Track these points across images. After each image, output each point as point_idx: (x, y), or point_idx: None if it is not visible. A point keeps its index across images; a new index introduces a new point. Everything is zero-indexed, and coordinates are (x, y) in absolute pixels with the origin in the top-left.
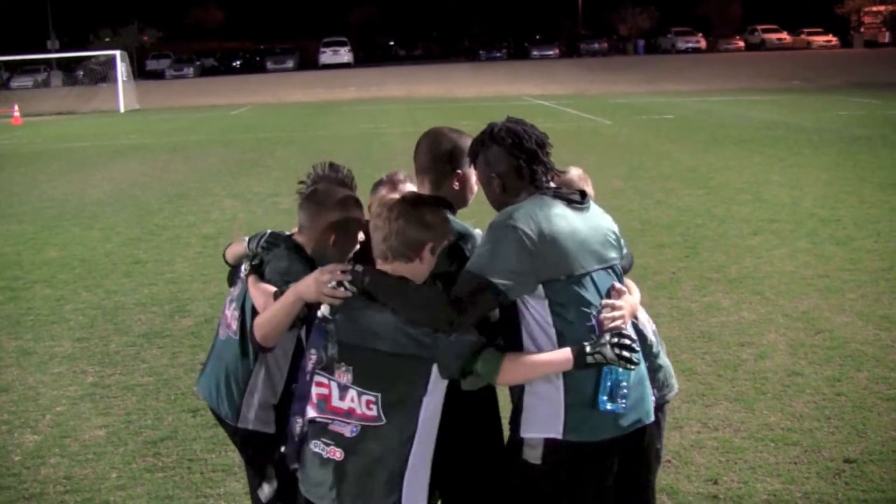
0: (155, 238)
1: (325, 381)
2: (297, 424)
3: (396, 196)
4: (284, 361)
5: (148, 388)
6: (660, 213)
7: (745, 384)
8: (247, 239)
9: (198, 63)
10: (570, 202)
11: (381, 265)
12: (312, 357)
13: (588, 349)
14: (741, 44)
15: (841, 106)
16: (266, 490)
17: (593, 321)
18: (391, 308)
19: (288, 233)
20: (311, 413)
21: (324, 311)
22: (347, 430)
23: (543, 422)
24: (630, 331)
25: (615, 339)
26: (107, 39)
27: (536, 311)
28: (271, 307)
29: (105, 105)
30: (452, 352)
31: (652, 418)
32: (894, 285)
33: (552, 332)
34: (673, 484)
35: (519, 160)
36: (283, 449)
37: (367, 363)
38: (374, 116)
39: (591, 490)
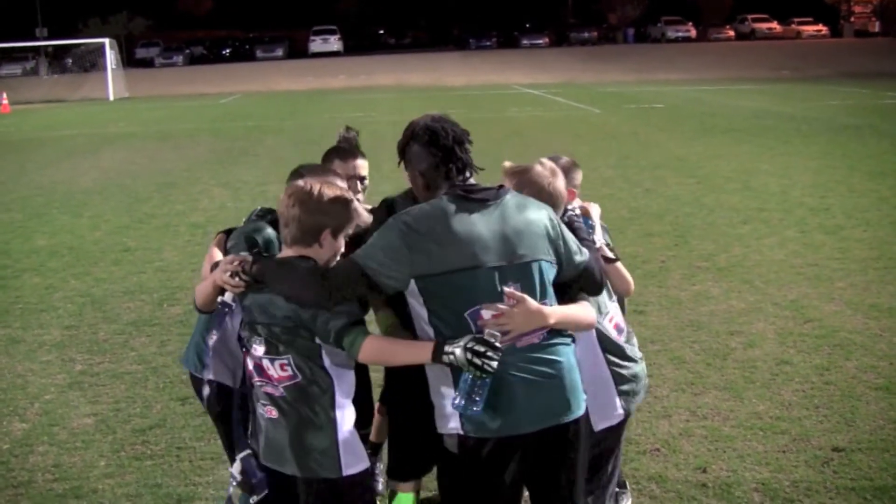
0: (144, 226)
1: (254, 355)
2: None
3: (300, 182)
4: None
5: (136, 377)
6: (649, 201)
7: (734, 373)
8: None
9: (187, 51)
10: (473, 200)
11: (284, 250)
12: (213, 336)
13: (446, 347)
14: (731, 33)
15: (830, 95)
16: (235, 469)
17: (468, 320)
18: (275, 291)
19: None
20: (251, 379)
21: (227, 297)
22: (277, 392)
23: (447, 419)
24: (493, 338)
25: (471, 344)
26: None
27: (415, 306)
28: (205, 282)
29: (94, 93)
30: (326, 326)
31: (571, 418)
32: (883, 274)
33: (429, 328)
34: (661, 472)
35: (436, 157)
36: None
37: (271, 336)
38: (364, 105)
39: (499, 483)
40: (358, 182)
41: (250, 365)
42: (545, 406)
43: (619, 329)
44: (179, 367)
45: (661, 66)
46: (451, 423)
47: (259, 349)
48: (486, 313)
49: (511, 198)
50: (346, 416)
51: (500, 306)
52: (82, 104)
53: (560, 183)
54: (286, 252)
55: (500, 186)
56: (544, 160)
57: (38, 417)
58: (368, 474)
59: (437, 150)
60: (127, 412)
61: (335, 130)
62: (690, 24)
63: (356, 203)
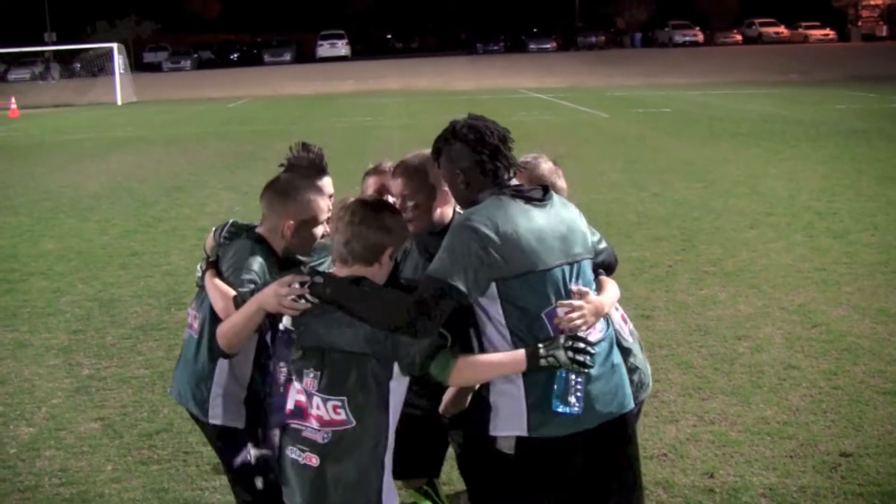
0: (151, 230)
1: (300, 388)
2: (276, 436)
3: (355, 198)
4: (245, 355)
5: (143, 381)
6: (656, 206)
7: (742, 378)
8: (213, 229)
9: (195, 56)
10: (529, 199)
11: (339, 268)
12: (283, 370)
13: (542, 351)
14: (738, 37)
15: (838, 99)
16: (259, 483)
17: (545, 320)
18: (355, 315)
19: (251, 224)
20: (287, 420)
21: (286, 322)
22: (319, 437)
23: (509, 420)
24: (587, 332)
25: (569, 343)
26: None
27: (490, 310)
28: (233, 316)
29: (102, 97)
30: (409, 350)
31: (627, 409)
32: (891, 279)
33: (506, 332)
34: (668, 477)
35: (482, 156)
36: (251, 452)
37: (330, 366)
38: (372, 109)
39: (560, 481)
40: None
41: (290, 403)
42: (607, 399)
43: (624, 320)
44: None
45: (668, 70)
46: (512, 426)
47: (311, 382)
48: (561, 311)
49: (557, 197)
50: (391, 457)
51: (574, 303)
52: (90, 108)
53: (562, 181)
54: (340, 270)
55: (546, 188)
56: (547, 160)
57: (45, 422)
58: None
59: (482, 148)
60: (134, 416)
61: (343, 134)
62: (698, 28)
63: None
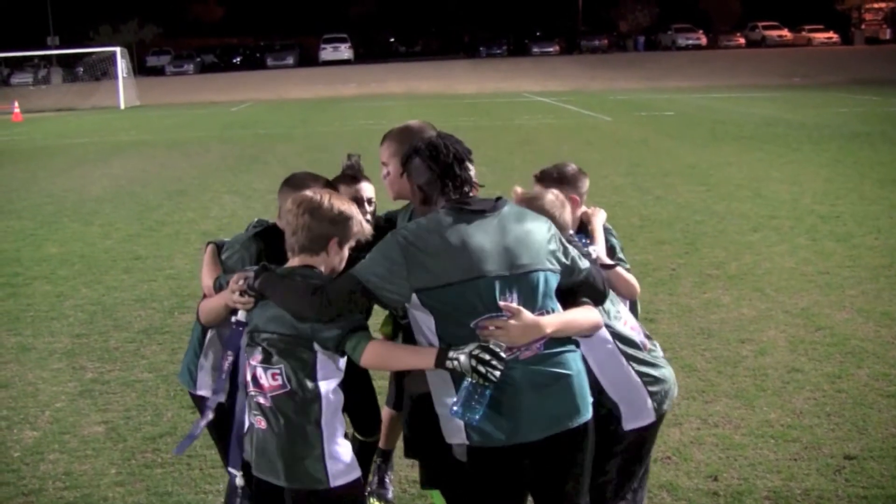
0: (154, 234)
1: (251, 364)
2: (205, 420)
3: (308, 192)
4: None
5: (147, 385)
6: (659, 209)
7: (745, 381)
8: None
9: (198, 59)
10: (466, 212)
11: (291, 259)
12: (229, 358)
13: (451, 353)
14: (742, 40)
15: (841, 102)
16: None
17: (475, 330)
18: (277, 304)
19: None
20: (248, 390)
21: (239, 316)
22: (265, 401)
23: (452, 430)
24: (498, 347)
25: (476, 351)
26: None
27: (421, 318)
28: (208, 302)
29: (105, 101)
30: (326, 333)
31: (581, 422)
32: (894, 282)
33: (435, 339)
34: (673, 480)
35: (434, 173)
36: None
37: (268, 344)
38: (374, 113)
39: (510, 489)
40: (366, 204)
41: (248, 375)
42: (552, 413)
43: (636, 331)
44: None
45: (671, 74)
46: (452, 433)
47: (256, 357)
48: (490, 325)
49: (509, 208)
50: (335, 427)
51: (495, 321)
52: (93, 112)
53: (567, 214)
54: (293, 261)
55: (499, 198)
56: (554, 191)
57: (48, 425)
58: (358, 485)
59: (435, 166)
60: (137, 420)
61: (346, 138)
62: (701, 31)
63: (360, 215)
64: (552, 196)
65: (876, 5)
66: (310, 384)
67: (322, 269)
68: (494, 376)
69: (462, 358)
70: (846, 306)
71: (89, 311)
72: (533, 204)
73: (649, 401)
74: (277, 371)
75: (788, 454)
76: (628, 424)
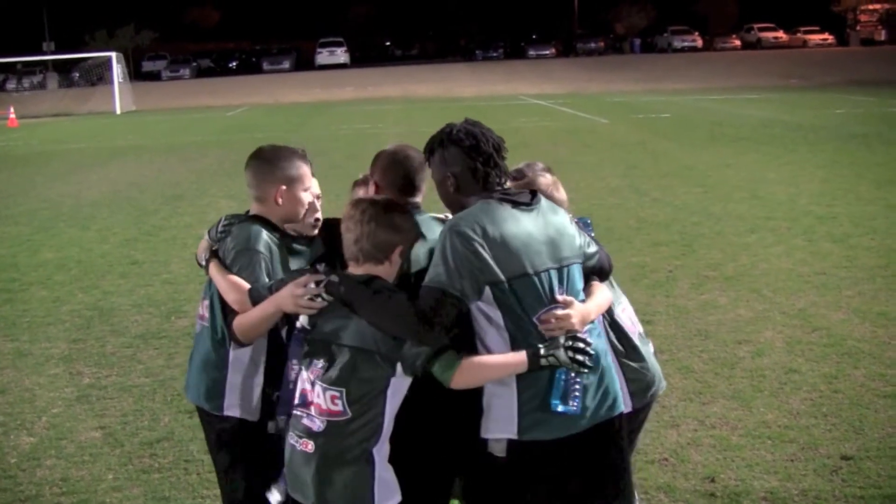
0: (151, 239)
1: (306, 376)
2: (282, 419)
3: (366, 197)
4: (259, 345)
5: (144, 390)
6: (656, 210)
7: (742, 382)
8: (207, 231)
9: (194, 64)
10: (516, 203)
11: (352, 267)
12: (295, 367)
13: (542, 351)
14: (738, 42)
15: (837, 103)
16: (276, 495)
17: (538, 324)
18: (363, 317)
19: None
20: (292, 408)
21: (303, 321)
22: (315, 425)
23: (500, 423)
24: (584, 334)
25: (569, 343)
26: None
27: (488, 313)
28: (251, 313)
29: (101, 106)
30: (414, 352)
31: (617, 412)
32: (891, 282)
33: (505, 334)
34: (670, 482)
35: (475, 162)
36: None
37: (335, 358)
38: (371, 116)
39: (552, 484)
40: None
41: (298, 389)
42: (598, 401)
43: (631, 321)
44: None
45: (668, 76)
46: (499, 427)
47: (316, 371)
48: (550, 313)
49: (545, 202)
50: (386, 451)
51: (558, 312)
52: (89, 118)
53: (561, 192)
54: (353, 269)
55: (534, 192)
56: (546, 174)
57: (45, 431)
58: None
59: (477, 156)
60: (135, 425)
61: (342, 142)
62: (697, 33)
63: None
64: (543, 178)
65: (871, 7)
66: (373, 411)
67: (386, 278)
68: (592, 363)
69: (559, 353)
70: (843, 307)
71: (86, 317)
72: (529, 186)
73: (627, 392)
74: (338, 394)
75: (785, 455)
76: None
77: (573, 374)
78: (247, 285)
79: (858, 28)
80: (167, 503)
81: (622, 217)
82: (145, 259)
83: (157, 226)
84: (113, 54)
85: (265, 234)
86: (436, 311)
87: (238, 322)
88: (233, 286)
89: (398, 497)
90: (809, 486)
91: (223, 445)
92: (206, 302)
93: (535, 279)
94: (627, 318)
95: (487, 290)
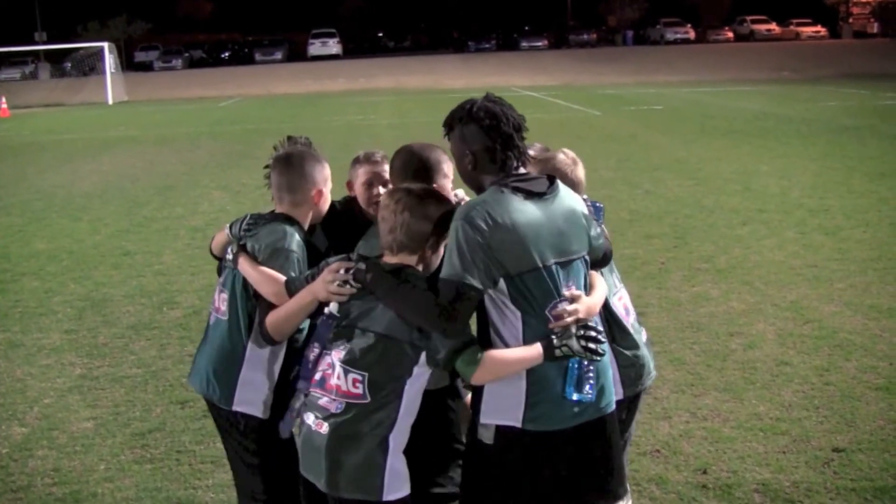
0: (143, 230)
1: (328, 358)
2: (299, 400)
3: (403, 186)
4: (282, 344)
5: (136, 380)
6: (649, 203)
7: (734, 374)
8: (228, 226)
9: (186, 55)
10: (529, 193)
11: (387, 256)
12: (315, 350)
13: (555, 342)
14: (730, 34)
15: (830, 96)
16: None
17: (548, 316)
18: (388, 306)
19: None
20: (310, 388)
21: (332, 308)
22: (333, 407)
23: (504, 410)
24: (594, 322)
25: (581, 332)
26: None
27: (502, 305)
28: (287, 305)
29: (93, 97)
30: (439, 345)
31: (613, 408)
32: (882, 275)
33: (519, 325)
34: (662, 474)
35: (494, 142)
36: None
37: (360, 343)
38: (363, 108)
39: (543, 475)
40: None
41: (318, 372)
42: (602, 393)
43: (626, 310)
44: (179, 370)
45: (660, 68)
46: (504, 416)
47: (339, 353)
48: (560, 308)
49: (564, 191)
50: (402, 440)
51: (568, 308)
52: (81, 108)
53: (580, 171)
54: (389, 259)
55: (552, 178)
56: (566, 150)
57: (37, 421)
58: (408, 501)
59: (496, 136)
60: (126, 416)
61: (335, 133)
62: (689, 25)
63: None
64: (563, 155)
65: None
66: (392, 398)
67: (420, 268)
68: (603, 350)
69: (571, 343)
70: (835, 299)
71: (78, 307)
72: (546, 164)
73: (619, 380)
74: (359, 378)
75: (777, 447)
76: None
77: (586, 363)
78: (283, 277)
79: (851, 21)
80: (159, 493)
81: (614, 209)
82: (137, 250)
83: (149, 217)
84: (105, 45)
85: (297, 235)
86: (455, 303)
87: (273, 317)
88: (269, 279)
89: (407, 490)
90: (801, 478)
91: (236, 441)
92: (225, 295)
93: (545, 272)
94: (623, 305)
95: (502, 282)
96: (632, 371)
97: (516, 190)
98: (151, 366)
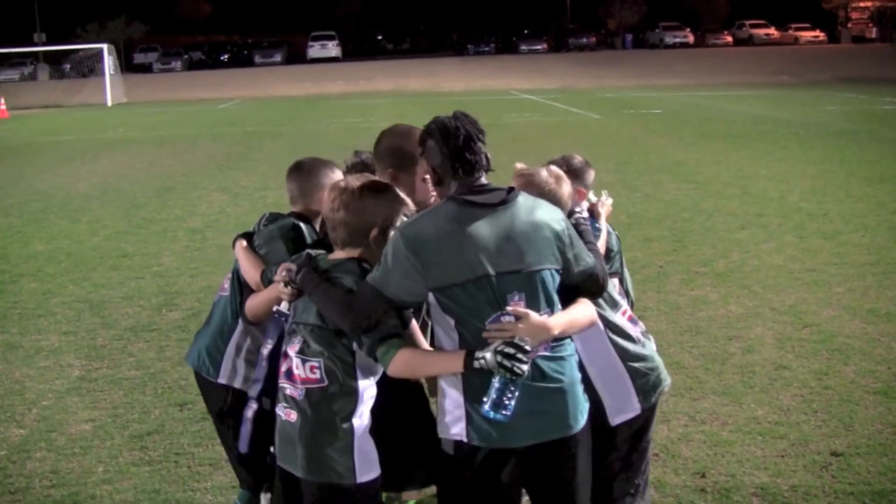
0: (142, 231)
1: (289, 353)
2: (251, 410)
3: (338, 182)
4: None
5: (135, 382)
6: (647, 206)
7: (733, 378)
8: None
9: (185, 56)
10: (477, 205)
11: (336, 252)
12: (268, 346)
13: (476, 353)
14: (729, 39)
15: (828, 101)
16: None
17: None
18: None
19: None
20: (280, 381)
21: (282, 307)
22: (297, 394)
23: (451, 424)
24: (523, 341)
25: (500, 347)
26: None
27: (437, 315)
28: (260, 294)
29: (92, 98)
30: (363, 337)
31: (568, 433)
32: (881, 279)
33: (455, 335)
34: (661, 477)
35: (446, 157)
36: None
37: (305, 334)
38: (362, 110)
39: (494, 492)
40: None
41: (284, 366)
42: (545, 422)
43: (633, 321)
44: (178, 372)
45: (659, 72)
46: (453, 429)
47: (295, 346)
48: (505, 319)
49: (523, 200)
50: (364, 423)
51: (504, 325)
52: (80, 109)
53: (564, 189)
54: (338, 254)
55: (511, 189)
56: (551, 167)
57: (35, 423)
58: (378, 482)
59: (447, 149)
60: (125, 418)
61: (333, 135)
62: (688, 29)
63: (399, 194)
64: (546, 172)
65: (862, 4)
66: (349, 380)
67: (369, 259)
68: (522, 370)
69: (488, 356)
70: (833, 303)
71: (76, 309)
72: (526, 179)
73: (634, 394)
74: (316, 364)
75: (775, 451)
76: (614, 418)
77: (510, 384)
78: (261, 267)
79: (850, 25)
80: (157, 496)
81: (613, 213)
82: (136, 251)
83: (148, 218)
84: (104, 46)
85: (304, 230)
86: (367, 309)
87: (249, 302)
88: (252, 266)
89: (377, 471)
90: (799, 481)
91: (221, 413)
92: (229, 275)
93: (483, 283)
94: (627, 318)
95: (431, 295)
96: (647, 382)
97: (464, 203)
98: (150, 368)
